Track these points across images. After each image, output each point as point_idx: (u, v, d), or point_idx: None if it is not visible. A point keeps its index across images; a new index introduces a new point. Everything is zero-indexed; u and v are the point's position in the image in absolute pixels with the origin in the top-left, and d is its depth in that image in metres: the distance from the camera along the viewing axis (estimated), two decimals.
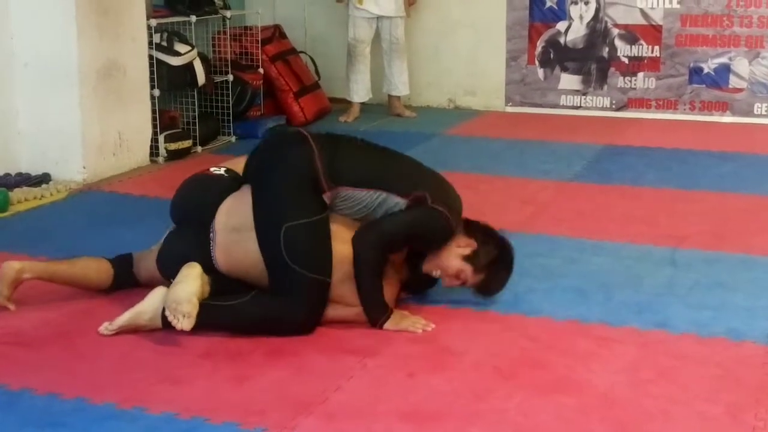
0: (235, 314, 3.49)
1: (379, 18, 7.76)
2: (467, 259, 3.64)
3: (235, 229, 3.59)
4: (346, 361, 3.29)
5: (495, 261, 3.67)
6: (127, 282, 3.85)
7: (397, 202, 3.57)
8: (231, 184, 3.76)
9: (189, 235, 3.70)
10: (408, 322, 3.56)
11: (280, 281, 3.50)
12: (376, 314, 3.54)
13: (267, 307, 3.51)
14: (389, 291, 3.62)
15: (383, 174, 3.63)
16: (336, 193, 3.54)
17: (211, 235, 3.61)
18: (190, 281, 3.45)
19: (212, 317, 3.46)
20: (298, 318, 3.49)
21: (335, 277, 3.53)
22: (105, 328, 3.49)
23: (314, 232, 3.50)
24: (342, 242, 3.55)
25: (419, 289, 3.87)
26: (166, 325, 3.40)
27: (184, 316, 3.35)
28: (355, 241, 3.53)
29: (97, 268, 3.82)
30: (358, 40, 7.78)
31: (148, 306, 3.48)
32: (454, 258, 3.64)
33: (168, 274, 3.59)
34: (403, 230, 3.58)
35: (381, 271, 3.58)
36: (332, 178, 3.52)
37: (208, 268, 3.58)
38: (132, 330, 3.48)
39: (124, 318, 3.47)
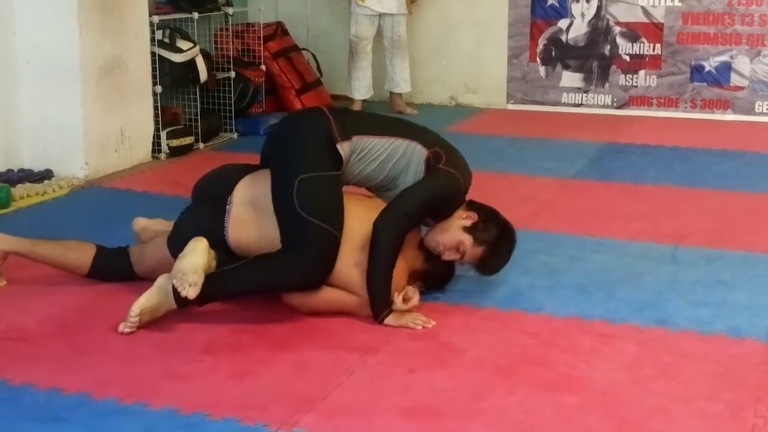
0: (242, 274, 3.51)
1: (381, 15, 7.76)
2: (468, 230, 3.66)
3: (251, 202, 3.63)
4: (347, 357, 3.30)
5: (496, 237, 3.69)
6: (110, 270, 3.84)
7: (420, 151, 3.67)
8: (253, 167, 3.82)
9: (205, 207, 3.73)
10: (408, 318, 3.57)
11: (290, 233, 3.53)
12: (380, 308, 3.55)
13: (274, 262, 3.53)
14: (396, 280, 3.61)
15: (403, 127, 3.78)
16: (352, 144, 3.60)
17: (227, 207, 3.64)
18: (198, 253, 3.48)
19: (220, 285, 3.49)
20: (307, 268, 3.50)
21: (345, 261, 3.55)
22: (125, 327, 3.44)
23: (327, 185, 3.56)
24: (357, 220, 3.58)
25: (437, 284, 3.85)
26: (178, 298, 3.41)
27: (190, 284, 3.38)
28: (375, 227, 3.55)
29: (77, 248, 3.86)
30: (360, 37, 7.78)
31: (165, 285, 3.46)
32: (455, 229, 3.67)
33: (176, 248, 3.58)
34: (422, 200, 3.63)
35: (395, 261, 3.58)
36: (346, 131, 3.62)
37: (218, 243, 3.59)
38: (152, 315, 3.47)
39: (142, 301, 3.43)
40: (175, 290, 3.42)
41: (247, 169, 3.81)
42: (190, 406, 2.93)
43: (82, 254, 3.84)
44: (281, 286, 3.54)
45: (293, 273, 3.50)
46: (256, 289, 3.57)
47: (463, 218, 3.69)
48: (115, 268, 3.86)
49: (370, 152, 3.65)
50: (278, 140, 3.74)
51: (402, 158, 3.67)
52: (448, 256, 3.72)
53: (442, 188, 3.67)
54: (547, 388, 3.08)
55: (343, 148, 3.59)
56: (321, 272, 3.53)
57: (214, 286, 3.47)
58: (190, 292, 3.38)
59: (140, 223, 4.06)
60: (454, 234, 3.67)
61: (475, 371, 3.22)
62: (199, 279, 3.40)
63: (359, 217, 3.61)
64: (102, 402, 2.96)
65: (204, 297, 3.45)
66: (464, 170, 3.76)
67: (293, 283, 3.52)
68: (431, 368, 3.23)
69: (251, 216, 3.62)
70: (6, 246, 3.84)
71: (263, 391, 3.05)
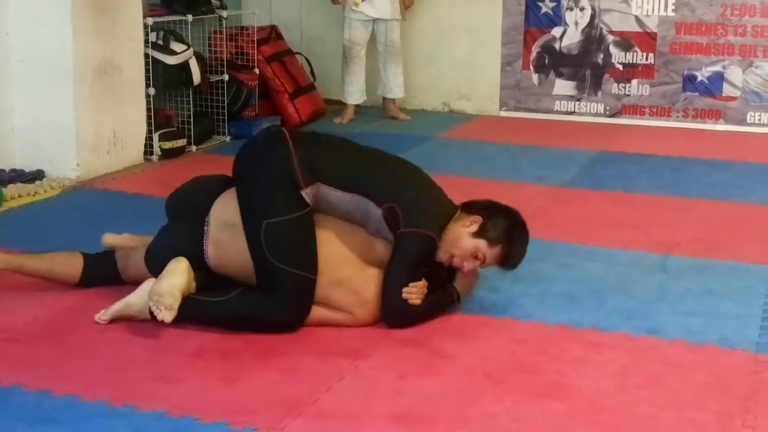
0: (220, 310, 3.51)
1: (374, 21, 7.77)
2: (477, 234, 3.60)
3: (226, 224, 3.60)
4: (337, 362, 3.30)
5: (508, 229, 3.62)
6: (99, 278, 3.84)
7: (374, 211, 3.56)
8: (228, 180, 3.77)
9: (182, 227, 3.70)
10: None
11: (264, 278, 3.52)
12: (451, 304, 3.70)
13: (251, 304, 3.51)
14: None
15: (361, 177, 3.61)
16: (315, 190, 3.54)
17: (205, 228, 3.62)
18: (177, 275, 3.47)
19: (197, 311, 3.49)
20: (282, 315, 3.50)
21: (324, 279, 3.53)
22: (99, 317, 3.54)
23: (294, 229, 3.51)
24: (330, 245, 3.57)
25: (438, 287, 3.79)
26: (154, 316, 3.42)
27: (165, 308, 3.37)
28: (384, 319, 3.60)
29: (65, 262, 3.85)
30: (354, 42, 7.79)
31: (137, 299, 3.51)
32: (464, 238, 3.60)
33: (156, 269, 3.57)
34: (405, 275, 3.58)
35: (419, 308, 3.61)
36: (310, 174, 3.52)
37: (198, 264, 3.59)
38: (126, 318, 3.53)
39: (115, 308, 3.53)
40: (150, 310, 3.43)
41: (221, 184, 3.75)
42: (180, 410, 2.92)
43: (71, 268, 3.84)
44: (257, 325, 3.51)
45: (269, 315, 3.49)
46: (231, 325, 3.52)
47: (467, 226, 3.61)
48: (103, 277, 3.86)
49: (331, 204, 3.59)
50: (242, 174, 3.64)
51: (362, 215, 3.60)
52: (468, 265, 3.63)
53: (413, 256, 3.59)
54: (536, 396, 3.09)
55: (307, 193, 3.53)
56: (297, 316, 3.53)
57: (191, 311, 3.47)
58: (165, 316, 3.38)
59: (108, 239, 4.00)
60: (465, 243, 3.59)
61: (464, 378, 3.22)
62: (175, 302, 3.40)
63: (331, 242, 3.58)
64: (91, 404, 2.95)
65: (179, 318, 3.44)
66: (426, 214, 3.60)
67: (269, 325, 3.50)
68: (421, 374, 3.23)
69: (229, 239, 3.58)
70: None
71: (253, 395, 3.05)
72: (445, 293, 3.70)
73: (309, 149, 3.62)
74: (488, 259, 3.62)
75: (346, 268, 3.57)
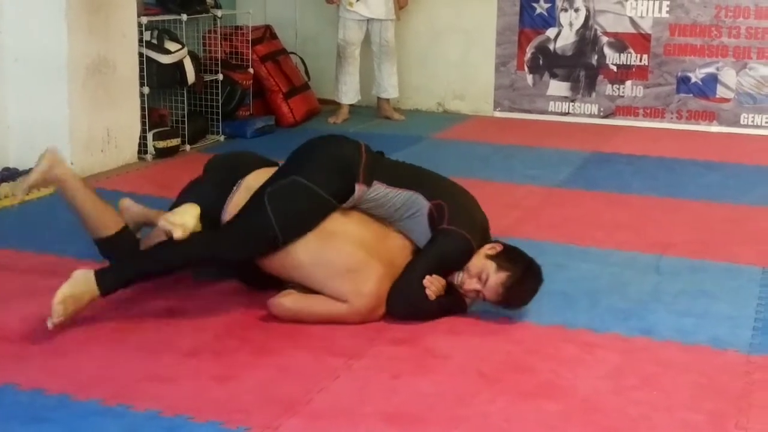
0: (187, 241, 3.52)
1: (369, 20, 7.77)
2: (491, 257, 3.62)
3: (252, 188, 3.64)
4: (331, 362, 3.30)
5: (520, 266, 3.61)
6: (120, 249, 3.80)
7: (422, 203, 3.65)
8: (275, 164, 3.86)
9: (214, 183, 3.77)
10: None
11: (244, 207, 3.57)
12: (461, 310, 3.70)
13: (210, 236, 3.57)
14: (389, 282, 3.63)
15: (415, 179, 3.74)
16: (368, 189, 3.62)
17: (235, 188, 3.68)
18: (188, 214, 3.54)
19: (159, 253, 3.55)
20: (227, 245, 3.55)
21: (331, 269, 3.53)
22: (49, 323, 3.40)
23: (311, 202, 3.56)
24: (349, 243, 3.58)
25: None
26: (101, 284, 3.40)
27: (179, 225, 3.46)
28: (387, 304, 3.61)
29: (112, 216, 3.85)
30: (348, 41, 7.79)
31: (76, 285, 3.41)
32: (478, 255, 3.63)
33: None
34: (429, 268, 3.61)
35: (430, 306, 3.63)
36: (371, 176, 3.62)
37: (212, 218, 3.63)
38: (75, 311, 3.42)
39: (59, 305, 3.37)
40: (98, 275, 3.40)
41: (269, 163, 3.86)
42: (173, 409, 2.92)
43: (111, 223, 3.83)
44: (209, 258, 3.58)
45: (218, 246, 3.55)
46: (193, 258, 3.56)
47: (488, 248, 3.66)
48: (125, 251, 3.81)
49: (379, 201, 3.66)
50: (309, 144, 3.75)
51: (408, 207, 3.66)
52: (468, 285, 3.64)
53: (448, 252, 3.64)
54: (529, 396, 3.09)
55: (360, 190, 3.61)
56: (236, 256, 3.57)
57: (156, 253, 3.55)
58: (177, 232, 3.44)
59: (125, 203, 4.04)
60: (476, 260, 3.62)
61: (458, 378, 3.22)
62: (187, 229, 3.46)
63: (343, 232, 3.61)
64: (84, 403, 2.95)
65: (139, 263, 3.53)
66: (470, 222, 3.69)
67: (216, 257, 3.57)
68: (415, 374, 3.24)
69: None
70: (59, 171, 3.79)
71: (247, 394, 3.05)
72: (456, 300, 3.71)
73: (375, 157, 3.74)
74: (490, 282, 3.58)
75: (353, 259, 3.57)
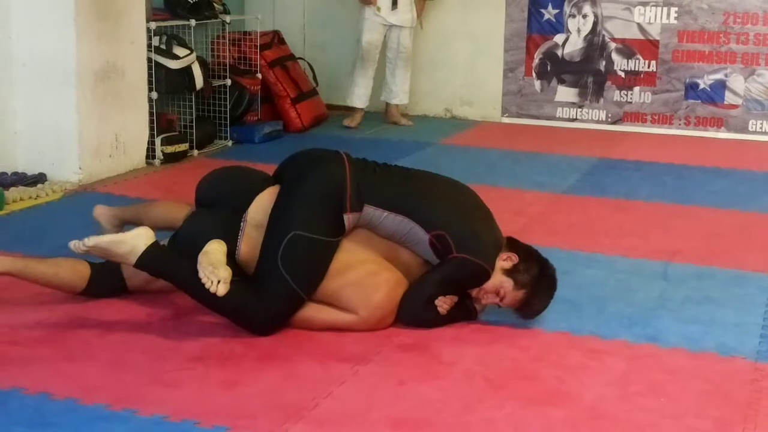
0: (206, 291, 3.42)
1: (390, 26, 7.78)
2: (508, 273, 3.61)
3: (259, 226, 3.59)
4: (337, 367, 3.30)
5: (536, 278, 3.62)
6: (106, 287, 3.77)
7: (421, 237, 3.59)
8: (267, 178, 3.79)
9: (218, 218, 3.68)
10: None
11: (262, 277, 3.50)
12: (470, 317, 3.70)
13: (238, 296, 3.45)
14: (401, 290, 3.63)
15: (410, 202, 3.62)
16: (360, 215, 3.56)
17: (242, 224, 3.62)
18: (221, 252, 3.46)
19: (185, 283, 3.48)
20: (260, 318, 3.49)
21: (338, 282, 3.53)
22: (75, 244, 3.46)
23: (318, 250, 3.52)
24: (350, 253, 3.57)
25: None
26: (140, 262, 3.41)
27: (219, 281, 3.36)
28: (399, 317, 3.62)
29: (71, 269, 3.74)
30: (373, 44, 7.79)
31: (132, 239, 3.44)
32: (495, 271, 3.61)
33: (189, 249, 3.52)
34: (435, 291, 3.62)
35: (439, 318, 3.64)
36: (358, 202, 3.54)
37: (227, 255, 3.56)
38: (102, 254, 3.46)
39: (104, 239, 3.44)
40: (148, 249, 3.40)
41: (261, 181, 3.77)
42: (179, 414, 2.92)
43: (77, 275, 3.73)
44: (234, 317, 3.51)
45: (250, 313, 3.48)
46: (210, 306, 3.51)
47: (503, 260, 3.63)
48: (109, 288, 3.79)
49: (377, 226, 3.61)
50: (293, 175, 3.64)
51: (406, 237, 3.63)
52: (486, 300, 3.66)
53: (463, 278, 3.63)
54: (535, 402, 3.09)
55: (350, 219, 3.54)
56: (272, 326, 3.52)
57: (194, 282, 3.44)
58: (220, 289, 3.35)
59: (98, 210, 4.04)
60: (494, 277, 3.61)
61: (464, 384, 3.22)
62: (229, 275, 3.37)
63: (352, 251, 3.60)
64: (91, 407, 2.95)
65: (177, 274, 3.49)
66: (481, 244, 3.62)
67: (244, 321, 3.51)
68: (421, 380, 3.24)
69: (259, 239, 3.57)
70: None
71: (253, 399, 3.05)
72: (467, 308, 3.71)
73: (362, 175, 3.62)
74: (508, 299, 3.62)
75: (361, 270, 3.57)
